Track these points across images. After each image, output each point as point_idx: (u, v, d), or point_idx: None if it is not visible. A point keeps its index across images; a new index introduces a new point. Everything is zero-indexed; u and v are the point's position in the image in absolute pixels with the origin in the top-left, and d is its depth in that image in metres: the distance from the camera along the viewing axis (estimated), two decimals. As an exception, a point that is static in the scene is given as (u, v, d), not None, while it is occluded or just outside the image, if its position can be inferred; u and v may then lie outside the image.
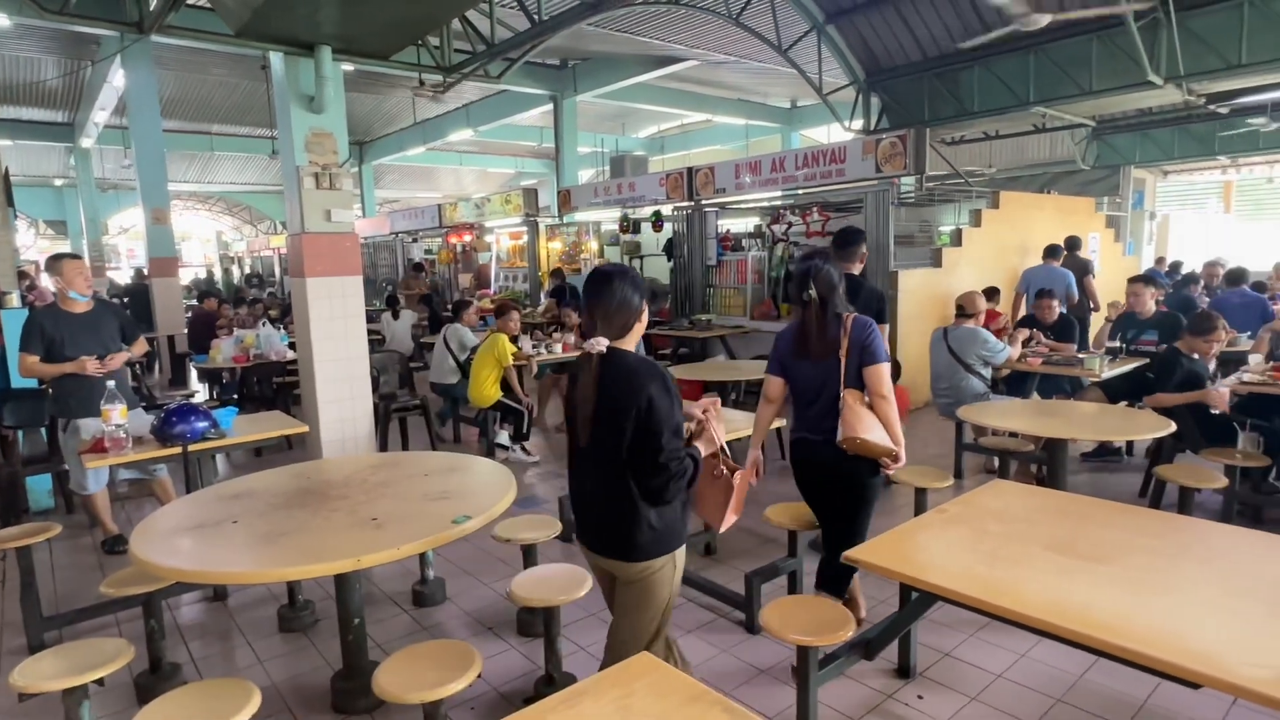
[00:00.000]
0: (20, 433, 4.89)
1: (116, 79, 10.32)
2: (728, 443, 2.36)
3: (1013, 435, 4.49)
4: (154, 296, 10.06)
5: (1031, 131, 11.25)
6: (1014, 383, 5.34)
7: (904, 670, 2.82)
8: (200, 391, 8.70)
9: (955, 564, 2.13)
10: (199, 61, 11.84)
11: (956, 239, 7.90)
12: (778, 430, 4.76)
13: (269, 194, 23.99)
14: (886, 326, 4.14)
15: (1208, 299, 7.52)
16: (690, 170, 8.98)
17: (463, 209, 13.38)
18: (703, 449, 2.18)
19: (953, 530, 2.36)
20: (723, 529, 2.32)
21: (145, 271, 11.08)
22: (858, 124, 9.98)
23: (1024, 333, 5.43)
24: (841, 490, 2.83)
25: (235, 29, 4.72)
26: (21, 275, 9.69)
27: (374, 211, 19.81)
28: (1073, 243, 7.94)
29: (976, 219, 8.04)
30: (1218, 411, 4.09)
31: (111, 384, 3.39)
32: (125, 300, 12.02)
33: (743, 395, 6.54)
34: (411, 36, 5.29)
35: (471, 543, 4.10)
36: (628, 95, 12.98)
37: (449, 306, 9.29)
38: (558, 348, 6.64)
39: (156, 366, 10.83)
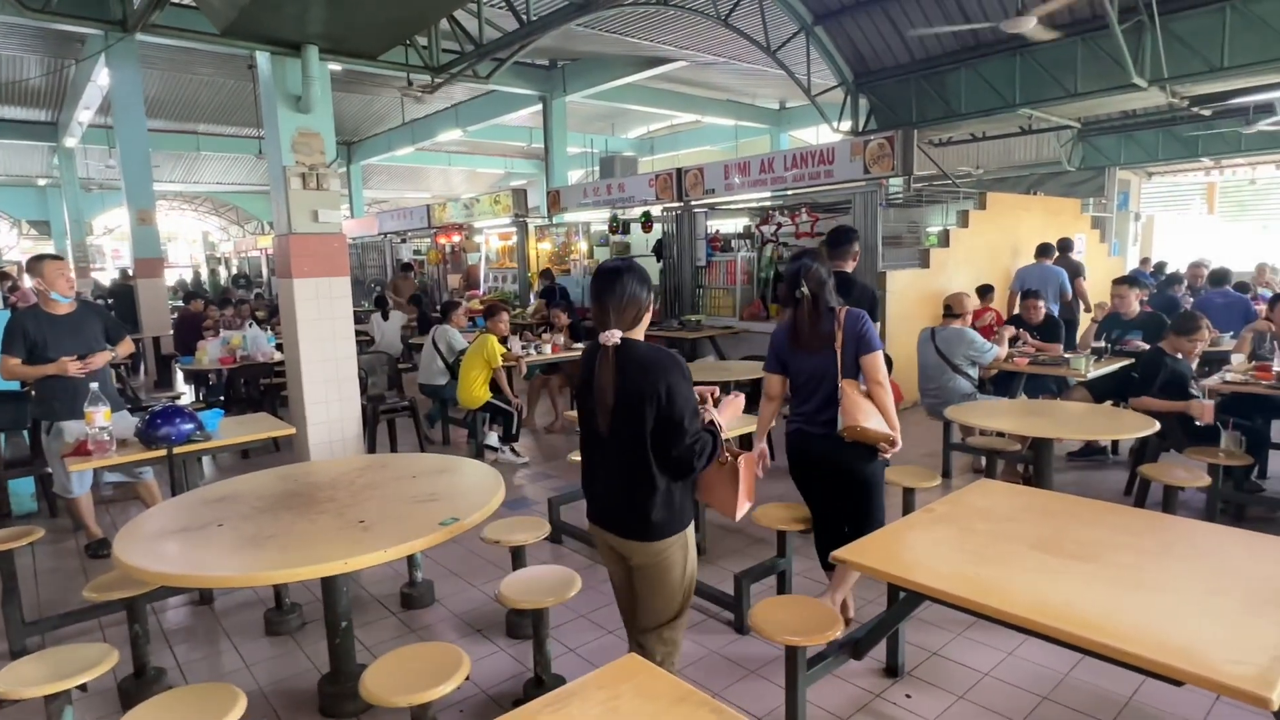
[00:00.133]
0: (2, 435, 4.84)
1: (101, 78, 10.23)
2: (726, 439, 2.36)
3: (999, 435, 4.52)
4: (139, 297, 9.96)
5: (1018, 133, 11.33)
6: (1001, 383, 5.37)
7: (892, 669, 2.83)
8: (186, 393, 8.64)
9: (942, 563, 2.14)
10: (185, 60, 11.75)
11: (944, 240, 7.95)
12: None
13: (256, 194, 23.84)
14: (880, 323, 4.18)
15: (1192, 299, 7.60)
16: (679, 171, 8.99)
17: (452, 209, 13.34)
18: (722, 419, 2.25)
19: (940, 530, 2.38)
20: (738, 516, 2.31)
21: (130, 272, 10.98)
22: (846, 125, 10.02)
23: (1010, 330, 5.47)
24: (845, 481, 2.89)
25: (221, 28, 4.69)
26: (3, 276, 9.61)
27: (362, 212, 19.71)
28: (1065, 244, 8.04)
29: (964, 220, 8.09)
30: (1202, 424, 4.12)
31: (95, 386, 3.36)
32: (109, 301, 11.91)
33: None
34: (399, 36, 5.27)
35: (460, 544, 4.09)
36: (617, 96, 12.99)
37: (438, 307, 9.26)
38: (547, 349, 6.63)
39: (142, 368, 10.73)
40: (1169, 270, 9.95)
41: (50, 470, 4.34)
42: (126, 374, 8.98)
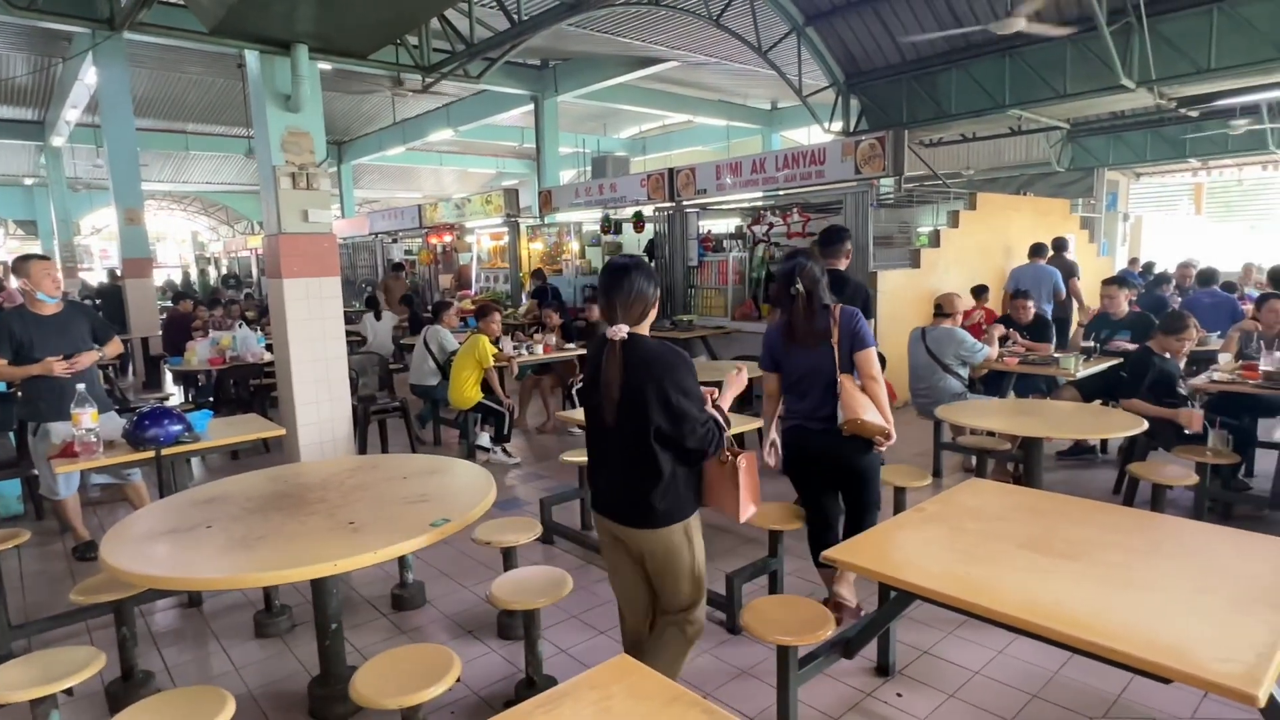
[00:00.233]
0: (-12, 437, 4.80)
1: (88, 76, 10.14)
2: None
3: (990, 434, 4.54)
4: (127, 298, 9.89)
5: (1008, 134, 11.39)
6: (991, 382, 5.40)
7: (883, 668, 2.84)
8: (175, 394, 8.59)
9: (933, 563, 2.15)
10: (173, 59, 11.67)
11: (935, 240, 7.98)
12: (759, 430, 4.77)
13: (246, 194, 23.70)
14: (874, 320, 4.24)
15: (1180, 299, 7.66)
16: (671, 171, 9.00)
17: (443, 209, 13.31)
18: (727, 398, 2.36)
19: (930, 529, 2.39)
20: (742, 519, 2.30)
21: (118, 272, 10.90)
22: (837, 126, 10.05)
23: (999, 329, 5.49)
24: (845, 474, 2.98)
25: (210, 27, 4.65)
26: (-11, 276, 9.52)
27: (353, 212, 19.63)
28: (1059, 244, 8.11)
29: (954, 220, 8.12)
30: (1190, 432, 4.15)
31: (81, 387, 3.32)
32: (97, 302, 11.81)
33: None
34: (390, 36, 5.25)
35: (452, 545, 4.08)
36: (609, 96, 12.98)
37: (429, 308, 9.24)
38: (539, 349, 6.62)
39: (130, 369, 10.66)
40: (1157, 270, 10.04)
41: (37, 472, 4.30)
42: (115, 375, 8.91)
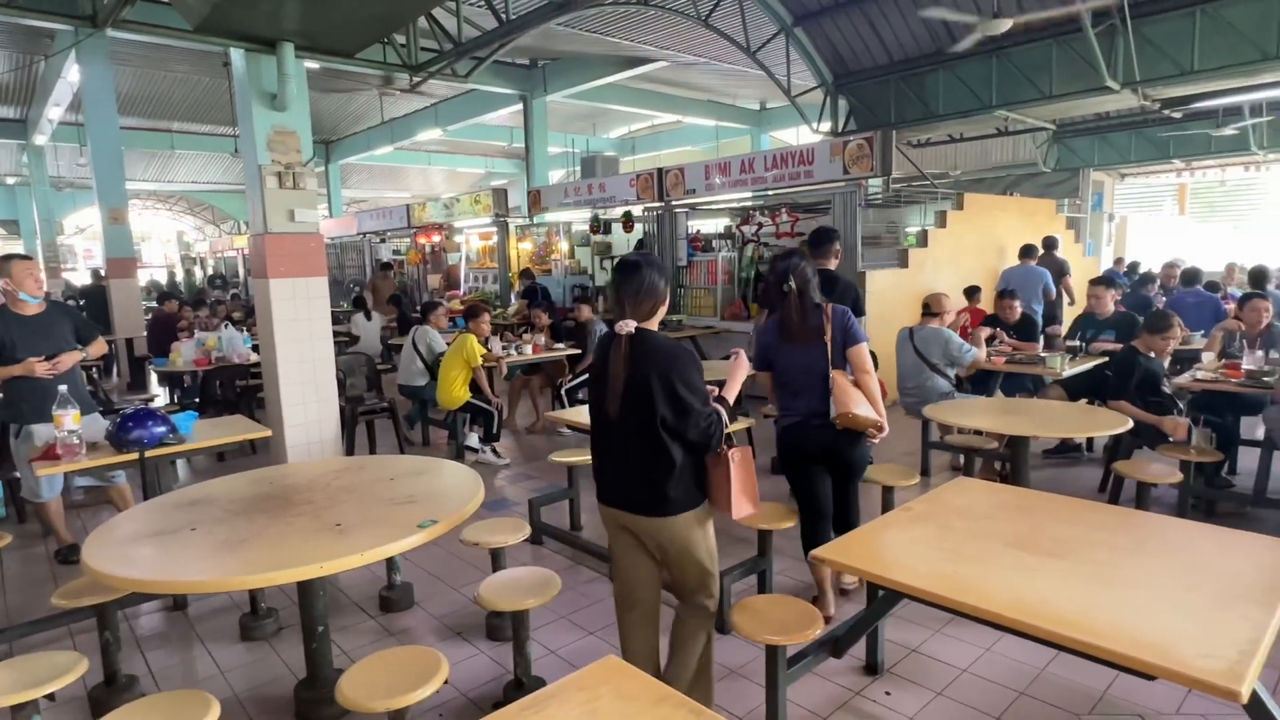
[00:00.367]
0: (-31, 439, 4.73)
1: (71, 74, 10.03)
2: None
3: (977, 433, 4.57)
4: (111, 298, 9.79)
5: (994, 135, 11.47)
6: (978, 381, 5.43)
7: (872, 667, 2.85)
8: (160, 396, 8.51)
9: (921, 561, 2.15)
10: (158, 57, 11.56)
11: (922, 240, 8.02)
12: (749, 430, 4.78)
13: (232, 193, 23.49)
14: (864, 319, 4.33)
15: (1164, 299, 7.74)
16: (660, 171, 9.00)
17: (431, 209, 13.25)
18: (732, 386, 2.43)
19: (918, 528, 2.39)
20: (734, 515, 2.31)
21: (102, 272, 10.79)
22: (826, 126, 10.08)
23: (986, 331, 5.52)
24: (841, 468, 3.06)
25: (194, 25, 4.61)
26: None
27: (341, 211, 19.53)
28: (1049, 242, 8.24)
29: (942, 220, 8.17)
30: (1175, 439, 4.18)
31: (64, 389, 3.28)
32: (81, 302, 11.68)
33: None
34: (376, 34, 5.22)
35: (440, 546, 4.06)
36: (598, 95, 12.97)
37: (418, 308, 9.20)
38: (528, 349, 6.60)
39: (114, 370, 10.55)
40: (1142, 270, 10.13)
41: (18, 474, 4.24)
42: (99, 376, 8.82)
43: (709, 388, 2.33)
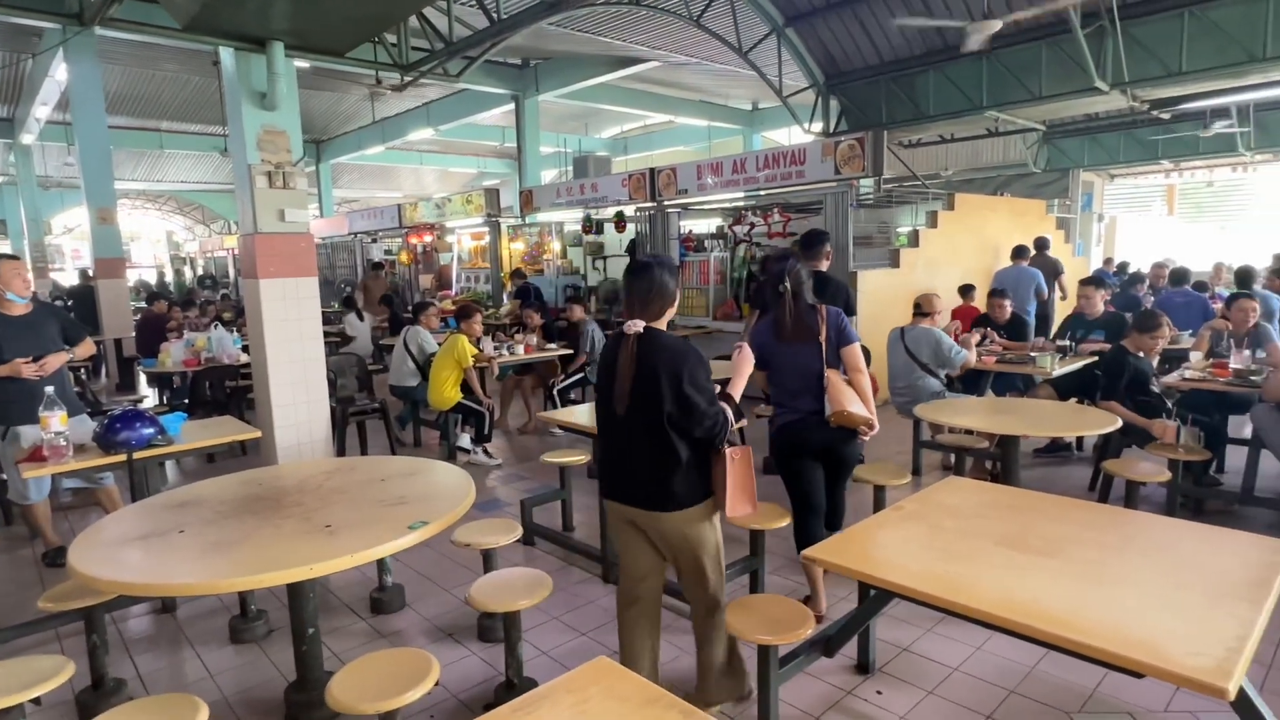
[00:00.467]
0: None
1: (59, 73, 9.95)
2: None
3: (968, 432, 4.58)
4: (100, 298, 9.71)
5: (985, 135, 11.52)
6: (969, 381, 5.45)
7: (863, 666, 2.85)
8: (149, 397, 8.45)
9: (912, 561, 2.16)
10: (147, 56, 11.49)
11: (914, 240, 8.05)
12: (740, 430, 4.78)
13: (222, 193, 23.38)
14: (855, 318, 4.43)
15: (1153, 299, 7.79)
16: (653, 171, 9.00)
17: (423, 209, 13.21)
18: (737, 382, 2.48)
19: (909, 527, 2.40)
20: (730, 513, 2.35)
21: (91, 273, 10.71)
22: (817, 126, 10.10)
23: (976, 336, 5.53)
24: (835, 463, 3.14)
25: (183, 23, 4.58)
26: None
27: (332, 211, 19.43)
28: (1041, 243, 8.31)
29: (933, 220, 8.20)
30: (1164, 443, 4.20)
31: (50, 390, 3.26)
32: (69, 303, 11.61)
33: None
34: (367, 33, 5.21)
35: (431, 548, 4.04)
36: (590, 95, 12.95)
37: (410, 308, 9.17)
38: (520, 349, 6.59)
39: (103, 371, 10.47)
40: (1131, 270, 10.20)
41: (5, 476, 4.21)
42: (87, 377, 8.76)
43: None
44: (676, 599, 3.41)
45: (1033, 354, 5.29)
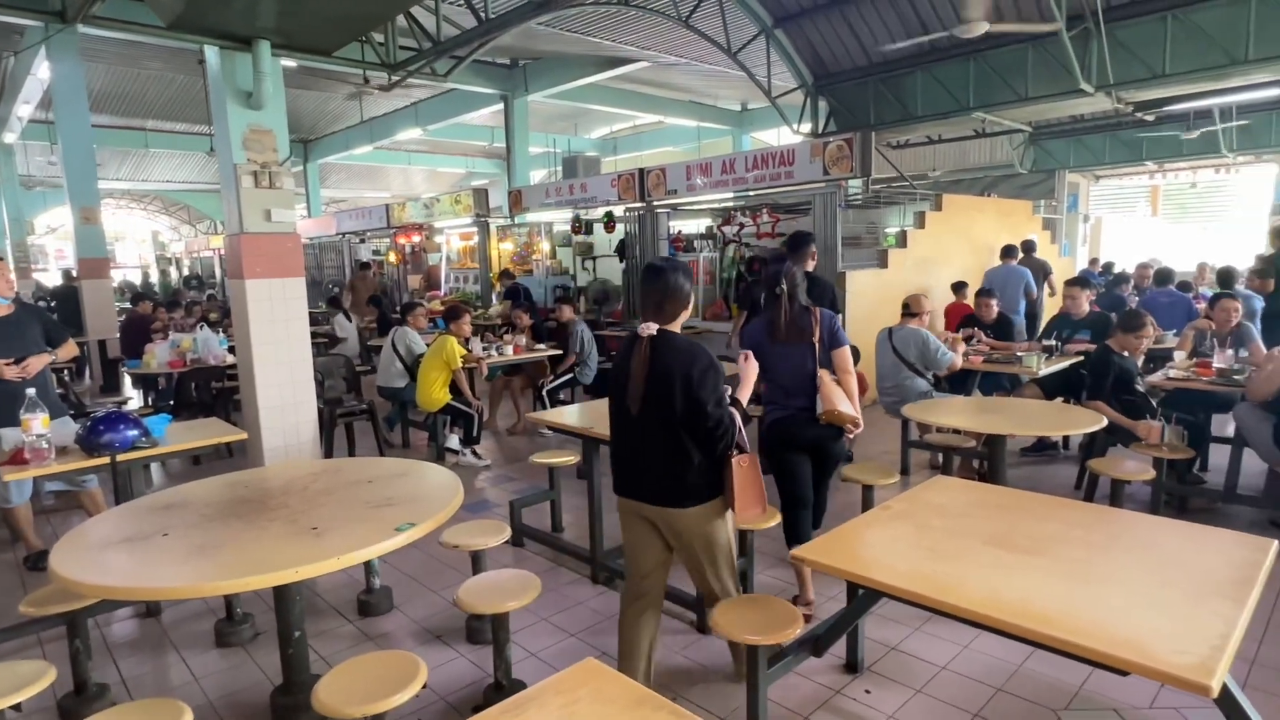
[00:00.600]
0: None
1: (41, 71, 9.83)
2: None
3: (955, 432, 4.61)
4: (83, 299, 9.61)
5: (972, 136, 11.58)
6: (956, 381, 5.47)
7: (852, 665, 2.86)
8: (134, 398, 8.36)
9: (900, 560, 2.16)
10: (131, 54, 11.38)
11: (902, 240, 8.08)
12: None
13: (208, 193, 23.18)
14: (842, 315, 4.55)
15: (1137, 299, 7.86)
16: (642, 171, 8.99)
17: (411, 209, 13.15)
18: (743, 390, 2.53)
19: (897, 527, 2.41)
20: (739, 517, 2.47)
21: (74, 273, 10.59)
22: (806, 127, 10.13)
23: (962, 345, 5.54)
24: (823, 459, 3.25)
25: (167, 22, 4.53)
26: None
27: (319, 211, 19.32)
28: (1029, 245, 8.43)
29: (920, 221, 8.24)
30: (1148, 443, 4.23)
31: (32, 392, 3.22)
32: (52, 303, 11.47)
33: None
34: (354, 33, 5.18)
35: (420, 549, 4.02)
36: (579, 96, 12.94)
37: (398, 309, 9.13)
38: (509, 349, 6.57)
39: (87, 372, 10.36)
40: (1116, 271, 10.29)
41: (-14, 480, 4.15)
42: (71, 379, 8.66)
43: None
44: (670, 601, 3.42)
45: (1019, 354, 5.33)
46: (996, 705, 2.63)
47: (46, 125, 12.46)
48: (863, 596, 2.57)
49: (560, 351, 6.87)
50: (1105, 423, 3.86)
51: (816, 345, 3.15)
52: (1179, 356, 5.16)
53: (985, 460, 4.49)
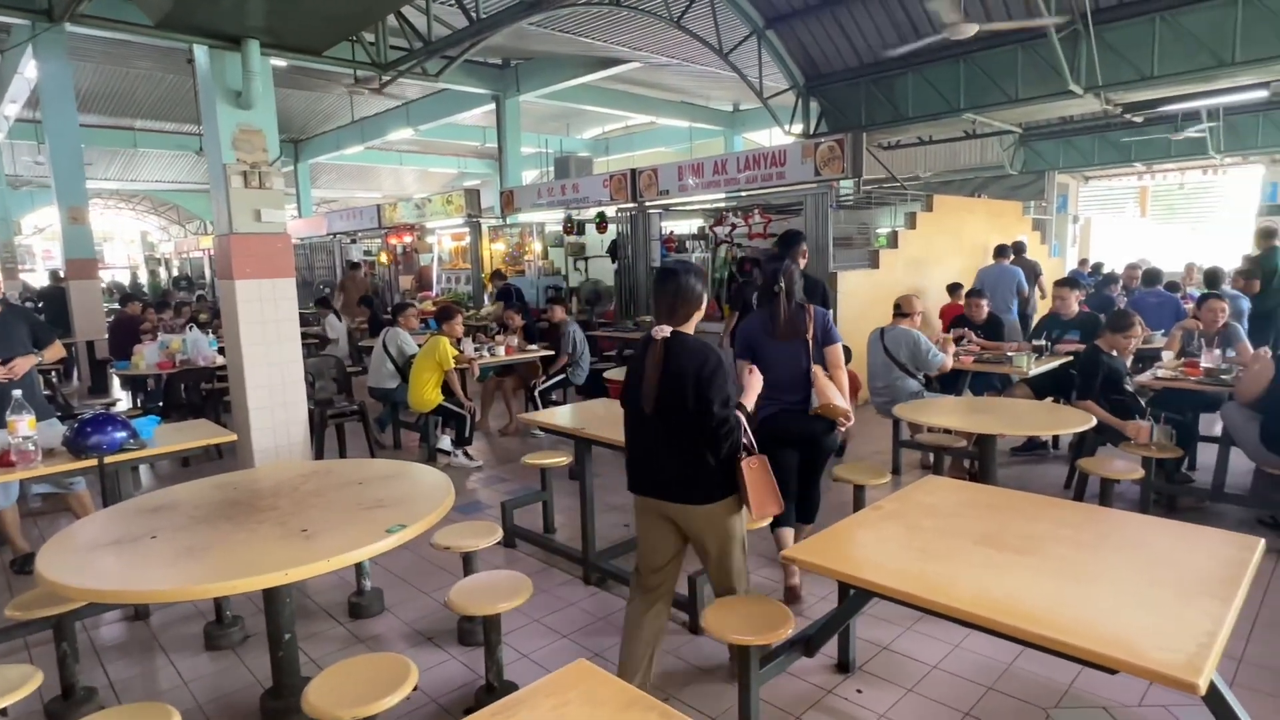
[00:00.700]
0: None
1: (28, 70, 9.76)
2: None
3: (946, 432, 4.62)
4: (71, 300, 9.54)
5: (963, 137, 11.64)
6: (947, 381, 5.49)
7: (844, 665, 2.87)
8: (122, 400, 8.31)
9: (890, 560, 2.17)
10: (119, 53, 11.30)
11: (893, 241, 8.11)
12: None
13: (198, 193, 23.01)
14: (832, 311, 4.67)
15: (1126, 299, 7.92)
16: (634, 172, 8.99)
17: (403, 209, 13.11)
18: (747, 400, 2.56)
19: (888, 527, 2.42)
20: (756, 516, 2.52)
21: (62, 274, 10.51)
22: (798, 128, 10.15)
23: (952, 345, 5.57)
24: (814, 450, 3.39)
25: (155, 20, 4.50)
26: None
27: (310, 212, 19.23)
28: (1019, 246, 8.50)
29: (911, 221, 8.27)
30: (1138, 443, 4.26)
31: (18, 393, 3.19)
32: (39, 304, 11.38)
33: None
34: (344, 32, 5.15)
35: (411, 551, 4.01)
36: (572, 96, 12.93)
37: (389, 309, 9.09)
38: (500, 350, 6.55)
39: (75, 374, 10.28)
40: (1105, 271, 10.36)
41: (-29, 482, 4.10)
42: (58, 380, 8.59)
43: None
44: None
45: (1009, 354, 5.35)
46: (987, 704, 2.64)
47: (34, 124, 12.39)
48: (854, 596, 2.58)
49: (552, 352, 6.86)
50: (1095, 422, 3.89)
51: (810, 342, 3.26)
52: (1167, 356, 5.19)
53: (976, 460, 4.52)
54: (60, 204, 9.35)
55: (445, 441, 5.89)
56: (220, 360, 6.31)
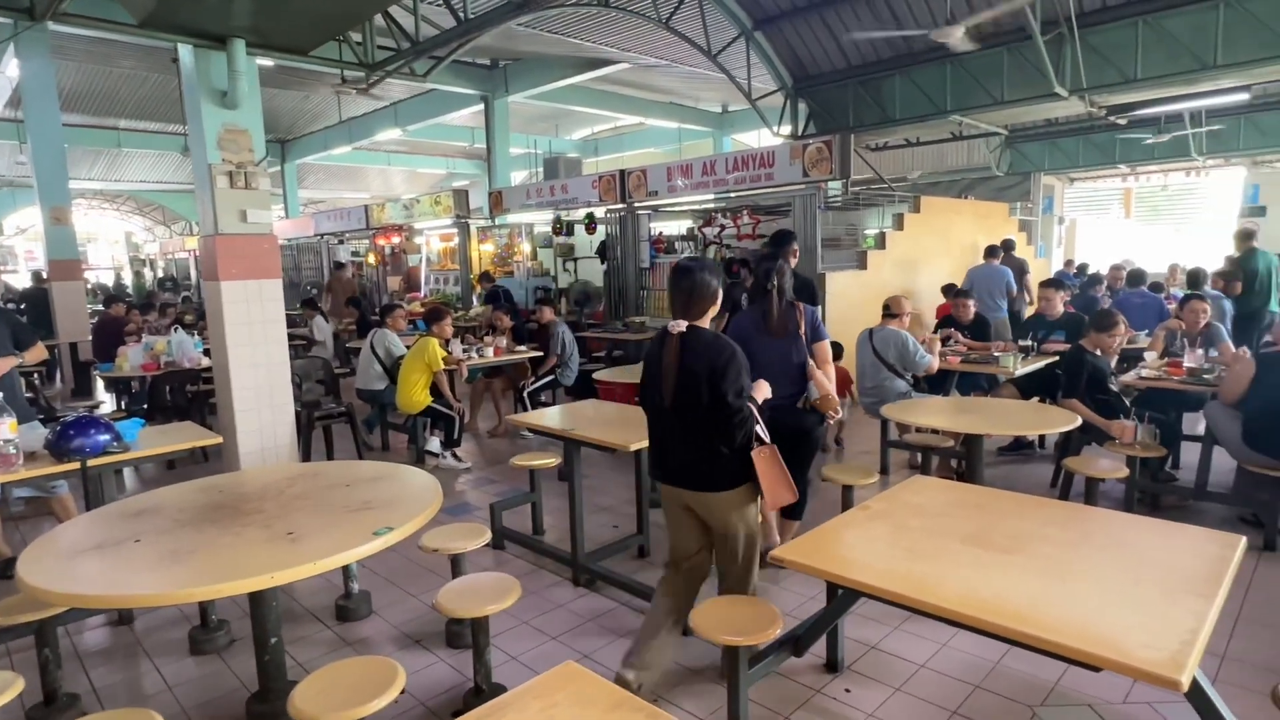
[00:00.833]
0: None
1: (9, 68, 9.64)
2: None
3: (934, 432, 4.65)
4: (54, 301, 9.43)
5: (949, 139, 11.71)
6: (934, 381, 5.53)
7: (832, 665, 2.88)
8: (106, 402, 8.22)
9: (878, 560, 2.18)
10: (103, 52, 11.18)
11: (880, 241, 8.15)
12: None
13: (183, 193, 22.80)
14: (821, 308, 4.77)
15: (1110, 299, 8.00)
16: (623, 173, 8.99)
17: (391, 210, 13.05)
18: (758, 394, 2.67)
19: (875, 526, 2.43)
20: (770, 506, 2.61)
21: (44, 275, 10.39)
22: (786, 129, 10.18)
23: (938, 345, 5.60)
24: (804, 442, 3.47)
25: (139, 19, 4.46)
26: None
27: (297, 212, 19.10)
28: (1008, 244, 8.58)
29: (899, 222, 8.31)
30: (1122, 443, 4.30)
31: (-1, 396, 3.15)
32: (21, 306, 11.25)
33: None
34: (331, 32, 5.12)
35: (398, 553, 3.99)
36: (560, 97, 12.90)
37: (377, 311, 9.04)
38: (489, 351, 6.53)
39: (58, 376, 10.16)
40: (1090, 272, 10.46)
41: (-49, 486, 4.05)
42: (40, 383, 8.49)
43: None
44: (636, 597, 3.41)
45: (996, 354, 5.39)
46: (974, 702, 2.65)
47: (15, 124, 12.24)
48: (842, 596, 2.58)
49: (541, 353, 6.85)
50: (1080, 422, 3.92)
51: (801, 338, 3.40)
52: (1150, 356, 5.24)
53: (963, 460, 4.54)
54: (43, 204, 9.24)
55: (434, 443, 5.86)
56: (206, 362, 6.26)
